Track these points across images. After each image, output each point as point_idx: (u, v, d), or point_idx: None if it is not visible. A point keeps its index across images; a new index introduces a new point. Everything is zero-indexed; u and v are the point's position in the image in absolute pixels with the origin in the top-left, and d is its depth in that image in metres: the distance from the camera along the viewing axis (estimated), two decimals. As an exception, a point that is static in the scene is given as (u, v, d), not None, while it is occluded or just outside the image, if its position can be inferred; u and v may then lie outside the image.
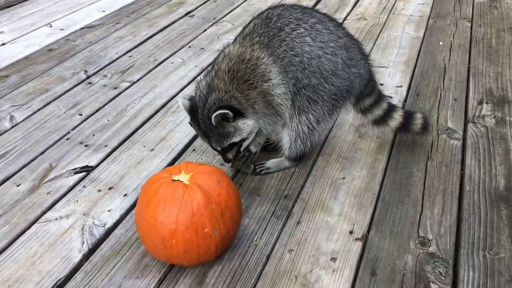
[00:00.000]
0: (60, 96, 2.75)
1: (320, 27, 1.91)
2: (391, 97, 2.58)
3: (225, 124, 1.80)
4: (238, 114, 1.81)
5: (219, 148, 1.90)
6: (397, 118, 2.13)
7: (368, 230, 1.76)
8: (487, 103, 2.54)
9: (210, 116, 1.77)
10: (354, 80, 1.98)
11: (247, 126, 1.84)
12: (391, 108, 2.14)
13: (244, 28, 1.97)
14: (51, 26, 3.79)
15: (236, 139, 1.86)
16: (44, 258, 1.68)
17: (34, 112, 2.59)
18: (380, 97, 2.14)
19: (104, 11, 4.06)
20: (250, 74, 1.82)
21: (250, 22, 1.96)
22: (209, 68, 1.94)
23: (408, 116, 2.15)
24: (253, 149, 2.05)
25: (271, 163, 2.08)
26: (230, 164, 2.05)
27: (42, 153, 2.25)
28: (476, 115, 2.44)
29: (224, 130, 1.82)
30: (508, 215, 1.80)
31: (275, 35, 1.85)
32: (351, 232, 1.75)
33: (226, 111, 1.75)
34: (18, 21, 3.89)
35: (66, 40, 3.52)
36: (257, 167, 2.07)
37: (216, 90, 1.81)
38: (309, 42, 1.86)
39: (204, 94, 1.84)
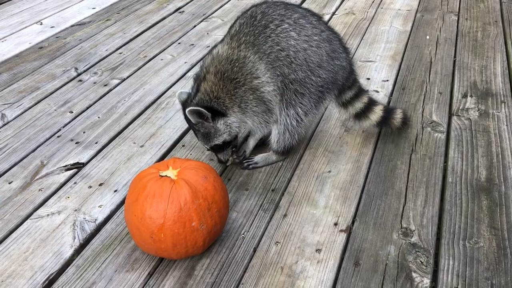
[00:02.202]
0: (51, 93, 2.77)
1: (304, 21, 1.96)
2: (377, 91, 2.63)
3: (206, 124, 1.88)
4: (219, 114, 1.87)
5: (207, 147, 1.98)
6: (377, 111, 2.18)
7: (353, 222, 1.81)
8: (471, 96, 2.59)
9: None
10: (338, 72, 2.04)
11: (226, 126, 1.91)
12: (372, 102, 2.20)
13: (230, 27, 2.01)
14: (41, 23, 3.80)
15: (219, 140, 1.93)
16: (36, 253, 1.72)
17: (25, 110, 2.61)
18: (361, 90, 2.20)
19: (94, 8, 4.08)
20: (237, 72, 1.87)
21: (236, 21, 2.00)
22: (199, 69, 1.99)
23: (389, 110, 2.21)
24: (248, 153, 2.13)
25: (259, 157, 2.12)
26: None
27: (33, 150, 2.28)
28: (460, 108, 2.49)
29: (205, 130, 1.90)
30: (488, 206, 1.85)
31: (261, 32, 1.90)
32: (336, 224, 1.80)
33: (199, 108, 1.82)
34: (8, 19, 3.90)
35: (56, 37, 3.53)
36: (245, 162, 2.12)
37: (201, 92, 1.89)
38: (294, 37, 1.91)
39: (193, 94, 1.92)
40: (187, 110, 1.83)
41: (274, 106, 1.97)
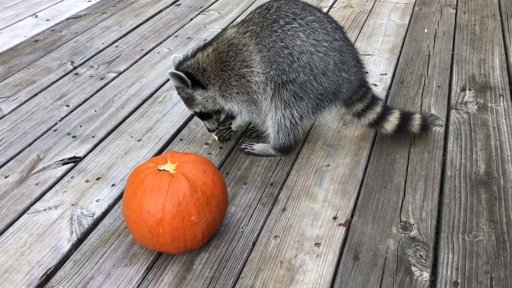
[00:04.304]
0: (47, 87, 2.75)
1: (317, 25, 1.92)
2: (375, 85, 2.62)
3: (186, 90, 1.99)
4: (199, 85, 1.96)
5: (191, 112, 2.11)
6: (392, 121, 2.11)
7: (352, 216, 1.80)
8: (469, 89, 2.58)
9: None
10: (342, 85, 1.99)
11: (203, 98, 1.99)
12: (386, 111, 2.13)
13: (247, 15, 2.02)
14: (36, 16, 3.76)
15: (197, 109, 2.05)
16: (34, 248, 1.70)
17: (21, 104, 2.59)
18: (373, 101, 2.13)
19: (90, 1, 4.04)
20: (231, 56, 1.91)
21: (253, 11, 2.00)
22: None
23: (405, 118, 2.13)
24: (233, 127, 2.15)
25: (258, 146, 2.14)
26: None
27: (29, 144, 2.26)
28: (459, 101, 2.48)
29: (186, 95, 2.02)
30: (487, 199, 1.85)
31: (268, 25, 1.89)
32: (335, 218, 1.79)
33: (180, 73, 1.91)
34: (3, 12, 3.86)
35: (52, 30, 3.50)
36: (243, 146, 2.16)
37: (194, 58, 1.97)
38: (302, 37, 1.88)
39: (188, 57, 2.01)
40: (168, 72, 1.93)
41: (260, 100, 1.96)
